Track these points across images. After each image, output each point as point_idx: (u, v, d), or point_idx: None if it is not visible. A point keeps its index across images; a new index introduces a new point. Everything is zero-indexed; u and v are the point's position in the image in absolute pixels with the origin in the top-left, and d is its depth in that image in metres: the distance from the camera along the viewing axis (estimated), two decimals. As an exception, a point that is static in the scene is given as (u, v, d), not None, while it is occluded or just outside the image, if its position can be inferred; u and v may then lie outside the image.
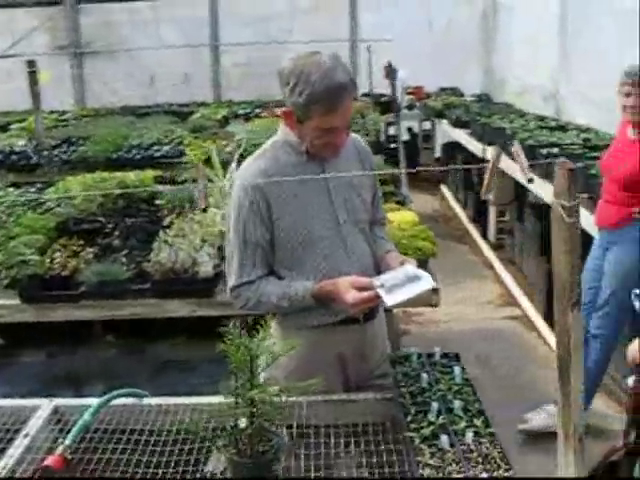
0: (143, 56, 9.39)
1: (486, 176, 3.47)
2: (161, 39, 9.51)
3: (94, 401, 2.46)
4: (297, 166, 2.52)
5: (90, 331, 4.69)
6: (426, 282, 2.43)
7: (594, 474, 2.48)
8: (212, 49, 9.66)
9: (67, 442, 2.24)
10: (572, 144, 5.92)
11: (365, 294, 2.38)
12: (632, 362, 2.44)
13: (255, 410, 2.04)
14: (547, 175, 5.70)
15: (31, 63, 6.99)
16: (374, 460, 2.22)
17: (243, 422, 2.05)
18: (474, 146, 7.50)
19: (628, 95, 3.98)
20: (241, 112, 8.28)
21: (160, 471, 2.19)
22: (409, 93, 9.52)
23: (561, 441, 1.69)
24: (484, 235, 7.65)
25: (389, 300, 2.39)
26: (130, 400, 2.58)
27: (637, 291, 2.73)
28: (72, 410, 2.52)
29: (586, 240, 5.40)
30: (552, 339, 5.32)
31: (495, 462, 2.08)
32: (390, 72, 9.35)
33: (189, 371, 4.35)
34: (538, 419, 4.25)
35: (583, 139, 6.06)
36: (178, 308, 3.70)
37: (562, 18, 7.39)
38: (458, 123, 8.26)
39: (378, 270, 2.63)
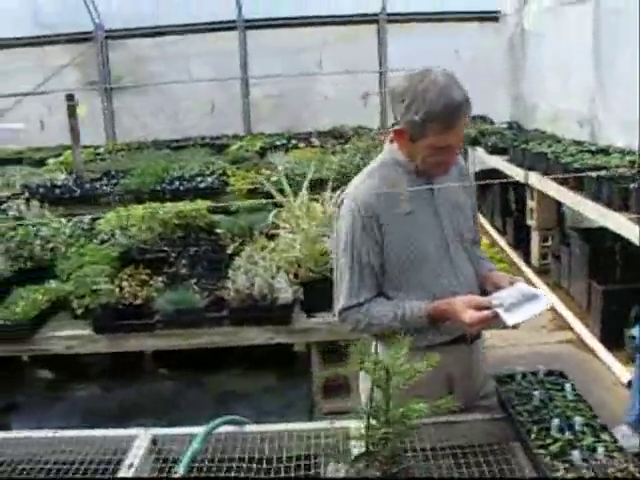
0: (173, 90, 9.46)
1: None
2: (190, 73, 9.58)
3: (190, 430, 2.46)
4: (405, 185, 2.51)
5: (140, 364, 4.67)
6: (544, 301, 2.41)
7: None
8: (242, 82, 9.71)
9: (181, 471, 2.22)
10: (619, 166, 5.89)
11: (484, 313, 2.36)
12: None
13: (391, 431, 2.02)
14: (596, 197, 5.68)
15: (70, 97, 7.06)
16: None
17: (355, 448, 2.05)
18: (514, 172, 7.50)
19: None
20: (278, 143, 8.30)
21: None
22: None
23: None
24: (526, 261, 7.61)
25: (509, 319, 2.36)
26: (231, 428, 2.55)
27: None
28: (169, 439, 2.49)
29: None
30: (610, 360, 5.28)
31: (633, 476, 2.05)
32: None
33: (246, 402, 4.33)
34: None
35: (629, 161, 6.04)
36: (256, 336, 3.67)
37: (595, 44, 7.43)
38: (495, 150, 8.26)
39: (483, 289, 2.61)
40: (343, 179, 4.73)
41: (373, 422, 2.07)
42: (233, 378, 4.73)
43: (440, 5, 9.57)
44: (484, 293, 2.57)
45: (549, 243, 7.34)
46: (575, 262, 6.35)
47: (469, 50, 9.86)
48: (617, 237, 5.47)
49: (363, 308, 2.51)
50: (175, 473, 2.23)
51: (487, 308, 2.38)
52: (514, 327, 2.38)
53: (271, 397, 4.45)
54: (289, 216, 3.89)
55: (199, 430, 2.49)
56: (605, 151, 6.70)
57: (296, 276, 3.73)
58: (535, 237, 7.42)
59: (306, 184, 4.15)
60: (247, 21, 9.42)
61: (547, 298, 2.41)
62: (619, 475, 2.06)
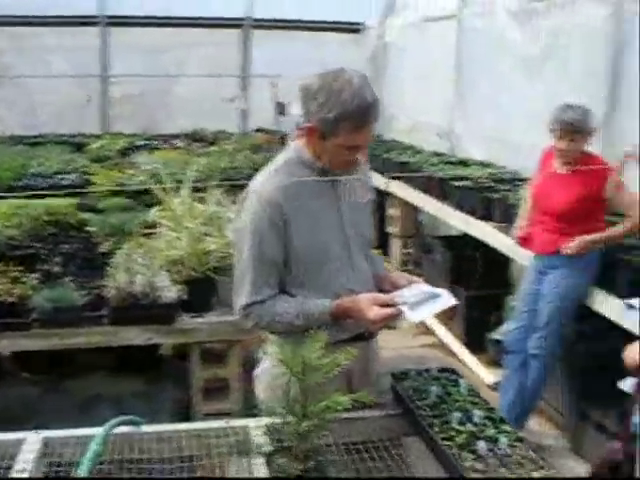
0: (29, 84, 9.01)
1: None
2: (50, 67, 9.16)
3: (84, 432, 2.36)
4: (311, 183, 2.52)
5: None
6: (447, 299, 2.47)
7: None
8: (102, 79, 9.40)
9: (83, 474, 2.11)
10: (480, 177, 6.16)
11: (388, 310, 2.40)
12: (631, 364, 2.53)
13: (311, 424, 2.00)
14: (459, 206, 5.91)
15: None
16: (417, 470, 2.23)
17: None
18: (376, 180, 7.66)
19: (560, 139, 4.25)
20: (140, 144, 8.11)
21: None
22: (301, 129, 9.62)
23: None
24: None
25: (413, 317, 2.41)
26: (127, 428, 2.46)
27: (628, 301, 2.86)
28: (61, 442, 2.38)
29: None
30: (474, 363, 5.50)
31: (535, 463, 2.13)
32: (280, 109, 9.49)
33: (114, 406, 4.19)
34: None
35: (489, 173, 6.32)
36: (135, 336, 3.55)
37: (457, 61, 7.75)
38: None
39: (380, 289, 2.65)
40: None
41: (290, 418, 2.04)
42: (99, 382, 4.57)
43: (306, 14, 9.63)
44: (381, 293, 2.60)
45: (410, 250, 7.54)
46: (436, 268, 6.56)
47: (332, 59, 9.96)
48: (478, 245, 5.72)
49: (266, 305, 2.48)
50: (77, 475, 2.12)
51: (390, 306, 2.42)
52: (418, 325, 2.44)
53: (140, 401, 4.33)
54: (170, 215, 3.79)
55: (93, 431, 2.40)
56: (464, 163, 6.98)
57: (179, 275, 3.63)
58: (396, 244, 7.61)
59: (187, 184, 4.05)
60: (109, 17, 9.11)
61: (450, 296, 2.47)
62: (522, 462, 2.13)
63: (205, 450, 2.39)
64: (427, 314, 2.44)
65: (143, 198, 5.54)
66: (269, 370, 2.66)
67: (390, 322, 2.45)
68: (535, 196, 4.58)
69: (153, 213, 3.96)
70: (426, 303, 2.44)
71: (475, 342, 5.66)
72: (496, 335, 5.39)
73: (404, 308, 2.40)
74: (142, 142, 8.19)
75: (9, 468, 2.19)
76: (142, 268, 3.50)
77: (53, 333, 3.51)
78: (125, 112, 9.44)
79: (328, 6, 9.39)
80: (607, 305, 4.04)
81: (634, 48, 5.24)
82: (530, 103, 6.18)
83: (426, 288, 2.52)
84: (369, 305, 2.40)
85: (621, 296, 3.93)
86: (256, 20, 9.73)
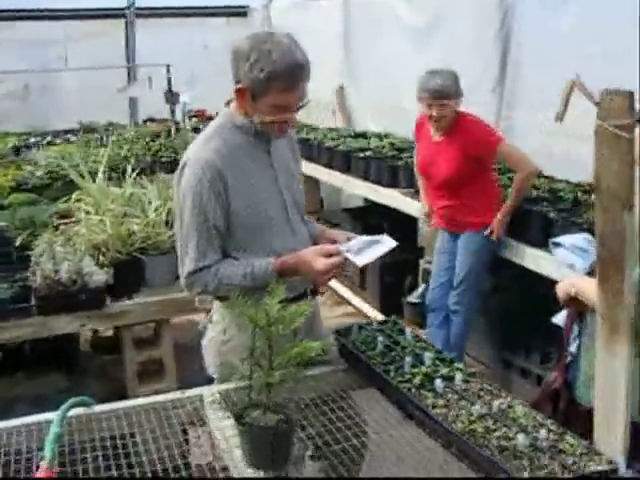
0: None
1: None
2: None
3: (26, 420, 2.37)
4: (246, 148, 2.55)
5: None
6: (389, 242, 2.55)
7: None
8: (-19, 77, 9.00)
9: (48, 455, 2.08)
10: (382, 147, 6.28)
11: (334, 259, 2.46)
12: (563, 298, 2.67)
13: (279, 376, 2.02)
14: (365, 177, 6.02)
15: None
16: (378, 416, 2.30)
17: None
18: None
19: (430, 107, 4.31)
20: (33, 140, 7.86)
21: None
22: (192, 116, 9.53)
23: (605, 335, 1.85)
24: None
25: (359, 261, 2.48)
26: (80, 410, 2.43)
27: (554, 240, 2.99)
28: (6, 432, 2.33)
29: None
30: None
31: (492, 393, 2.24)
32: (170, 97, 9.35)
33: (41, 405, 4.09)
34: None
35: (388, 143, 6.44)
36: (67, 324, 3.47)
37: (345, 37, 7.85)
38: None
39: None
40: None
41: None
42: (20, 382, 4.45)
43: (189, 0, 9.53)
44: None
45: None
46: (346, 240, 6.63)
47: (218, 44, 9.92)
48: (383, 213, 5.84)
49: (212, 269, 2.49)
50: (41, 459, 2.08)
51: (335, 256, 2.48)
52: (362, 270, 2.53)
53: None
54: (90, 200, 3.72)
55: (41, 417, 2.37)
56: (363, 135, 7.08)
57: (103, 258, 3.57)
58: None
59: (102, 169, 3.98)
60: (-15, 12, 8.76)
61: (390, 239, 2.54)
62: (480, 393, 2.23)
63: (166, 421, 2.39)
64: (372, 257, 2.51)
65: (47, 193, 5.42)
66: (218, 337, 2.68)
67: (337, 272, 2.49)
68: (421, 169, 4.69)
69: (73, 199, 3.86)
70: (369, 248, 2.52)
71: (391, 307, 5.76)
72: (412, 298, 5.53)
73: (349, 255, 2.46)
74: (34, 139, 7.91)
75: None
76: (67, 255, 3.40)
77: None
78: (10, 110, 9.07)
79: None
80: (521, 254, 4.22)
81: (521, 12, 5.48)
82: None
83: (366, 238, 2.59)
84: (315, 257, 2.46)
85: (534, 245, 4.12)
86: (139, 9, 9.54)
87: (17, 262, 3.83)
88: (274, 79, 2.36)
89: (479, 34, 5.84)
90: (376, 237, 2.59)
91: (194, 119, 9.60)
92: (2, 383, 4.35)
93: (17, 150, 7.40)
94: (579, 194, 4.50)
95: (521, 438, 1.93)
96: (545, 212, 4.20)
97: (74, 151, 6.91)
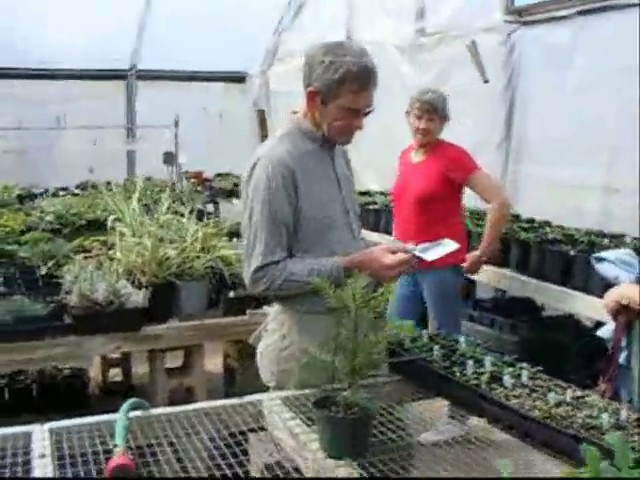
0: None
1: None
2: None
3: (83, 420, 2.34)
4: (312, 153, 2.63)
5: None
6: (452, 244, 2.64)
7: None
8: (-18, 134, 9.06)
9: (121, 443, 2.08)
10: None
11: (402, 255, 2.51)
12: (614, 307, 2.72)
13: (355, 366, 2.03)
14: (375, 226, 6.11)
15: None
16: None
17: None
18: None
19: (419, 118, 4.41)
20: (37, 192, 7.93)
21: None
22: (189, 178, 9.63)
23: None
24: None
25: (427, 257, 2.54)
26: (139, 412, 2.41)
27: (597, 255, 3.06)
28: (67, 431, 2.30)
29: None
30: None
31: (562, 388, 2.26)
32: (168, 158, 9.46)
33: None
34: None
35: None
36: (102, 345, 3.45)
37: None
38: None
39: None
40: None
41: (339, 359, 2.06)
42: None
43: (190, 65, 9.73)
44: None
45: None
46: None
47: (217, 108, 10.14)
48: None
49: (280, 265, 2.53)
50: (115, 447, 2.06)
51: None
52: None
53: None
54: (127, 221, 3.76)
55: (94, 419, 2.34)
56: (368, 193, 7.22)
57: (140, 282, 3.58)
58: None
59: (136, 196, 4.02)
60: (-11, 70, 8.87)
61: (453, 242, 2.62)
62: (550, 386, 2.25)
63: (234, 427, 2.37)
64: (438, 254, 2.60)
65: (61, 233, 5.46)
66: (276, 344, 2.68)
67: (404, 269, 2.54)
68: (395, 191, 4.72)
69: (110, 221, 3.88)
70: (434, 248, 2.59)
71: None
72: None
73: (416, 252, 2.52)
74: (38, 191, 7.97)
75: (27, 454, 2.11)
76: (104, 275, 3.41)
77: (12, 348, 3.33)
78: (7, 167, 9.07)
79: (214, 56, 9.52)
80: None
81: (526, 70, 5.71)
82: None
83: (426, 243, 2.67)
84: (383, 253, 2.53)
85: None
86: (140, 71, 9.71)
87: (44, 289, 3.81)
88: (348, 80, 2.47)
89: (485, 92, 6.03)
90: (439, 241, 2.66)
91: (191, 180, 9.68)
92: (7, 423, 4.26)
93: (21, 199, 7.41)
94: (592, 237, 4.60)
95: (605, 417, 1.95)
96: (565, 251, 4.29)
97: (79, 201, 6.94)
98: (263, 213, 2.51)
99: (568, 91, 5.29)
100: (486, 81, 5.61)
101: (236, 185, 9.26)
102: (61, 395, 4.82)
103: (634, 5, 4.60)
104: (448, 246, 2.64)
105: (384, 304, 2.06)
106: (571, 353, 4.48)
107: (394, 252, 2.53)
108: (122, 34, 9.28)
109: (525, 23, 5.61)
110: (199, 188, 9.74)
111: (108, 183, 9.22)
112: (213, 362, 4.85)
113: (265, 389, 2.73)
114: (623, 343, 2.75)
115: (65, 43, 8.86)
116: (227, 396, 2.73)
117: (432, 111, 4.38)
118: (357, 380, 2.08)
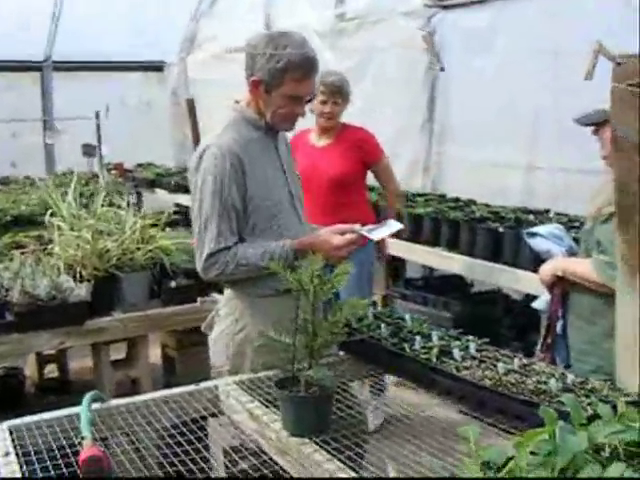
0: None
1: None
2: None
3: (41, 417, 2.35)
4: (257, 141, 2.69)
5: None
6: (396, 224, 2.74)
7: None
8: None
9: (88, 434, 2.10)
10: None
11: (350, 236, 2.60)
12: (545, 281, 2.87)
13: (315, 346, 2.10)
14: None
15: None
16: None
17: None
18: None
19: (324, 103, 4.34)
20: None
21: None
22: (110, 169, 9.49)
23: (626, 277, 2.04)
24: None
25: (374, 236, 2.64)
26: (97, 405, 2.43)
27: (529, 230, 3.20)
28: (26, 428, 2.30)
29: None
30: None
31: (509, 357, 2.37)
32: (88, 150, 9.29)
33: None
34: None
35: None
36: (46, 341, 3.42)
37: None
38: (179, 189, 8.39)
39: None
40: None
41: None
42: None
43: (107, 55, 9.56)
44: None
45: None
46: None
47: (136, 97, 10.01)
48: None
49: (231, 251, 2.58)
50: (82, 439, 2.08)
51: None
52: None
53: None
54: (64, 216, 3.72)
55: (53, 415, 2.36)
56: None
57: (81, 276, 3.56)
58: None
59: (71, 191, 3.97)
60: None
61: (397, 223, 2.72)
62: (499, 357, 2.36)
63: (194, 413, 2.41)
64: (385, 234, 2.77)
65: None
66: (229, 329, 2.73)
67: (352, 249, 2.62)
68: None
69: (47, 218, 3.84)
70: (380, 228, 2.69)
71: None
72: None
73: (363, 231, 2.61)
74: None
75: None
76: (45, 270, 3.38)
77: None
78: None
79: (131, 45, 9.39)
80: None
81: (447, 55, 5.84)
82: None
83: (372, 225, 2.77)
84: (332, 235, 2.63)
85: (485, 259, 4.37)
86: (56, 62, 9.49)
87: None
88: (290, 70, 2.55)
89: (407, 76, 6.15)
90: (383, 222, 2.76)
91: (112, 172, 9.54)
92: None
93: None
94: (518, 213, 4.77)
95: (553, 382, 2.07)
96: (494, 228, 4.44)
97: (1, 198, 6.78)
98: (213, 200, 2.55)
99: (488, 74, 5.43)
100: (442, 69, 5.71)
101: (158, 175, 9.21)
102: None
103: (551, -12, 4.77)
104: (392, 226, 2.73)
105: (342, 281, 2.11)
106: (503, 326, 4.65)
107: (342, 233, 2.61)
108: (35, 24, 9.05)
109: (445, 7, 5.73)
110: (120, 179, 9.62)
111: (27, 177, 9.11)
112: (152, 353, 4.84)
113: (205, 378, 2.74)
114: (559, 313, 2.90)
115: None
116: (168, 386, 2.75)
117: (337, 94, 4.34)
118: (317, 360, 2.14)
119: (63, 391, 4.95)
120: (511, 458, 1.51)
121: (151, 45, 9.66)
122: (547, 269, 2.89)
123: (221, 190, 2.54)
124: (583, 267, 2.74)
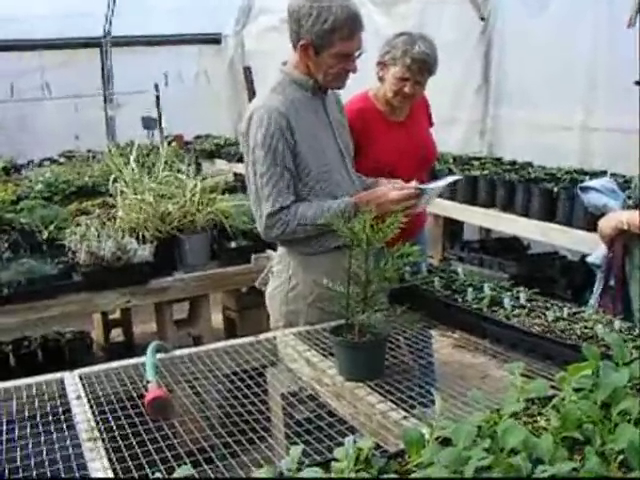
0: None
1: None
2: None
3: (110, 365, 2.55)
4: (305, 101, 2.75)
5: None
6: (454, 176, 2.81)
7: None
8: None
9: (153, 377, 2.22)
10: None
11: (406, 190, 2.67)
12: (612, 233, 2.85)
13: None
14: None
15: None
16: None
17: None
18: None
19: (405, 80, 3.24)
20: (21, 163, 7.97)
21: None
22: (170, 141, 9.66)
23: None
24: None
25: (429, 186, 2.72)
26: (161, 355, 2.54)
27: (582, 185, 3.20)
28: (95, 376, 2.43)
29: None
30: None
31: (558, 305, 2.42)
32: (148, 123, 9.47)
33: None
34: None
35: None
36: (112, 300, 3.58)
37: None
38: (237, 157, 8.51)
39: None
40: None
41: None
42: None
43: (163, 28, 9.72)
44: None
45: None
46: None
47: (193, 71, 10.16)
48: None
49: (291, 209, 2.65)
50: (148, 383, 2.20)
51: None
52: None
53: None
54: (124, 185, 3.87)
55: (119, 364, 2.54)
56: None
57: (144, 238, 3.70)
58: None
59: (133, 157, 4.11)
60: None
61: (455, 175, 2.79)
62: (547, 305, 2.40)
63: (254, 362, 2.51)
64: (437, 185, 2.83)
65: (52, 200, 5.52)
66: (283, 286, 2.82)
67: (409, 202, 2.68)
68: (391, 159, 3.27)
69: (111, 184, 3.99)
70: (434, 181, 2.76)
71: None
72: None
73: (419, 185, 2.69)
74: (22, 162, 8.01)
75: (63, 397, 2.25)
76: (109, 233, 3.52)
77: (26, 307, 3.45)
78: (-14, 141, 9.05)
79: (186, 19, 9.51)
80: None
81: (502, 14, 5.81)
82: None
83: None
84: (390, 189, 2.71)
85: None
86: (114, 37, 9.68)
87: (49, 251, 3.91)
88: (338, 28, 2.60)
89: (462, 38, 6.14)
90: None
91: (172, 143, 9.70)
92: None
93: (7, 171, 7.44)
94: (574, 174, 4.75)
95: (600, 327, 2.11)
96: (549, 189, 4.44)
97: (67, 170, 6.98)
98: (267, 160, 2.62)
99: (543, 35, 5.40)
100: (482, 18, 5.68)
101: (217, 145, 9.33)
102: (66, 358, 4.93)
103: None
104: (450, 177, 2.81)
105: (392, 232, 2.18)
106: (559, 286, 4.65)
107: (401, 188, 2.69)
108: (93, 1, 9.24)
109: (501, -32, 5.69)
110: (181, 151, 9.79)
111: (89, 151, 9.35)
112: (213, 317, 4.98)
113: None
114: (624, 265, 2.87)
115: (37, 14, 8.80)
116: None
117: (426, 72, 3.23)
118: (371, 307, 2.21)
119: (129, 354, 5.11)
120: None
121: (207, 18, 9.75)
122: (610, 222, 2.86)
123: (273, 150, 2.61)
124: None
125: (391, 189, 2.69)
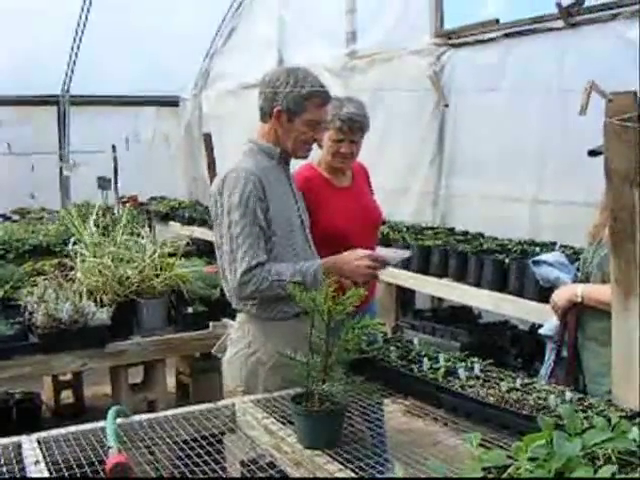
0: None
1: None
2: None
3: (69, 430, 2.47)
4: (271, 168, 2.86)
5: None
6: (406, 251, 2.92)
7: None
8: None
9: (115, 444, 2.21)
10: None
11: (370, 252, 2.82)
12: (566, 306, 2.92)
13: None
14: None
15: None
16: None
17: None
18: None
19: (339, 142, 3.37)
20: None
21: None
22: (124, 202, 9.67)
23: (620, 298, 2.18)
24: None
25: (395, 256, 2.84)
26: (120, 420, 2.54)
27: (534, 259, 3.31)
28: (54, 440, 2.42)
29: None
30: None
31: (512, 377, 2.50)
32: (103, 183, 9.47)
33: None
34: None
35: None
36: (69, 362, 3.56)
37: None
38: (192, 221, 8.56)
39: None
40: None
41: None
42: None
43: (122, 89, 9.80)
44: None
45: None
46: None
47: (150, 132, 10.25)
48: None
49: (266, 267, 2.72)
50: (109, 449, 2.20)
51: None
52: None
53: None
54: (88, 243, 3.89)
55: (78, 428, 2.48)
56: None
57: (102, 301, 3.71)
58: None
59: (92, 219, 4.14)
60: None
61: (407, 250, 2.91)
62: (501, 376, 2.48)
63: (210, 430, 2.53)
64: (403, 256, 3.04)
65: (5, 259, 5.51)
66: (242, 351, 2.86)
67: (376, 268, 2.80)
68: (347, 224, 3.34)
69: (71, 246, 4.00)
70: (394, 252, 2.87)
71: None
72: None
73: (382, 252, 2.79)
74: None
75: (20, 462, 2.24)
76: (67, 295, 3.53)
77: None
78: None
79: (146, 81, 9.60)
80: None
81: (455, 92, 6.02)
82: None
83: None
84: (354, 256, 2.80)
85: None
86: (73, 96, 9.74)
87: (4, 312, 3.90)
88: (313, 96, 2.78)
89: (417, 112, 6.33)
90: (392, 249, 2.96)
91: (127, 204, 9.70)
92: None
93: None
94: (525, 246, 4.89)
95: (552, 398, 2.19)
96: (500, 260, 4.56)
97: (18, 228, 6.97)
98: (243, 219, 2.70)
99: (496, 110, 5.60)
100: (446, 105, 5.89)
101: (172, 208, 9.37)
102: (13, 420, 4.85)
103: (556, 29, 4.95)
104: (406, 252, 2.92)
105: (354, 303, 2.24)
106: (510, 355, 4.76)
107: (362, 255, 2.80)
108: (52, 60, 9.28)
109: (454, 45, 5.91)
110: (135, 212, 9.79)
111: (43, 209, 9.31)
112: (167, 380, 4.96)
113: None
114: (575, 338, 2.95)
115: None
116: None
117: (358, 130, 3.38)
118: (331, 377, 2.26)
119: (78, 417, 5.06)
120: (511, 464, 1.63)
121: (165, 81, 9.86)
122: (563, 294, 2.95)
123: (250, 210, 2.70)
124: (601, 288, 2.77)
125: (354, 255, 2.80)
